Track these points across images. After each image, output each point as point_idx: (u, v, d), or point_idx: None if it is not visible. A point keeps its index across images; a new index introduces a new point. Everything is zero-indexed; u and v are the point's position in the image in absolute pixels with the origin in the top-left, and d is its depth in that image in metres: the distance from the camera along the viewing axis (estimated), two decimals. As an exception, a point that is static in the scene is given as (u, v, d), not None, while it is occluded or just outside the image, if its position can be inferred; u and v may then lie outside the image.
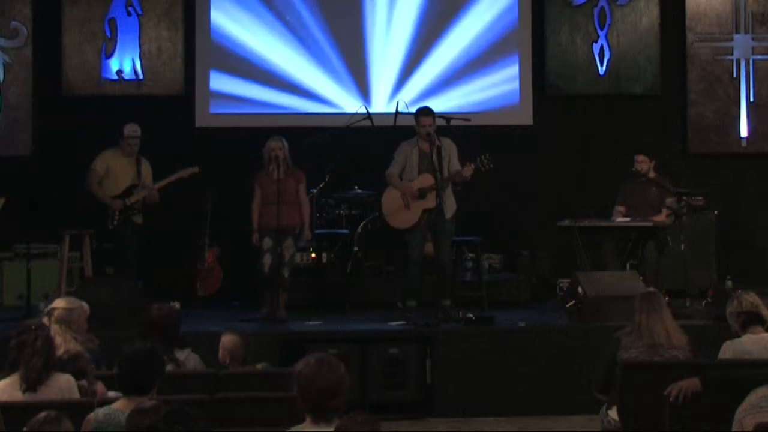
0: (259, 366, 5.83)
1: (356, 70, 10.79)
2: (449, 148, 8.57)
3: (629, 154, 9.42)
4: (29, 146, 10.56)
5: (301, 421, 3.75)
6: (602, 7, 10.91)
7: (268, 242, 8.60)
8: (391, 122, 9.82)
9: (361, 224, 9.76)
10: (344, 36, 10.81)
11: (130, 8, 10.69)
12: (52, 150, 10.48)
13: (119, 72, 10.69)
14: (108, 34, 10.69)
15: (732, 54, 10.91)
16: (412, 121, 8.72)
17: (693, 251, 9.26)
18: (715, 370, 5.09)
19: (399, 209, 8.60)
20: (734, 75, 10.90)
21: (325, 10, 10.78)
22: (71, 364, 5.16)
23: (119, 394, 4.45)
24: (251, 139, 9.49)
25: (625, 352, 5.69)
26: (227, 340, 5.81)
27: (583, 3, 10.91)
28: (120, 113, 9.70)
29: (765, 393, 4.35)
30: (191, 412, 3.57)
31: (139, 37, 10.71)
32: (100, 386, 5.09)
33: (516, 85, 10.85)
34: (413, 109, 8.92)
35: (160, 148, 9.62)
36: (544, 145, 10.72)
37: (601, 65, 10.91)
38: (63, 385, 4.81)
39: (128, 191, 9.05)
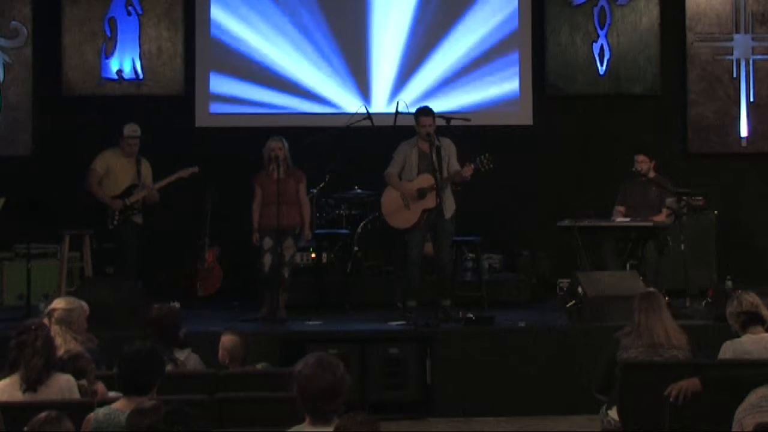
0: (259, 366, 5.83)
1: (356, 70, 10.79)
2: (448, 148, 8.57)
3: (629, 154, 9.42)
4: (29, 146, 10.56)
5: (301, 421, 3.75)
6: (602, 7, 10.91)
7: (268, 242, 8.60)
8: (391, 122, 9.82)
9: (361, 224, 9.76)
10: (344, 36, 10.81)
11: (130, 8, 10.69)
12: (52, 150, 10.48)
13: (119, 72, 10.69)
14: (108, 33, 10.69)
15: (732, 54, 10.91)
16: (412, 121, 8.72)
17: (693, 251, 9.26)
18: (715, 370, 5.09)
19: (399, 209, 8.60)
20: (734, 75, 10.90)
21: (325, 10, 10.78)
22: (71, 364, 5.16)
23: (119, 394, 4.45)
24: (251, 139, 9.49)
25: (624, 352, 5.69)
26: (227, 340, 5.81)
27: (583, 3, 10.92)
28: (120, 113, 9.70)
29: (765, 393, 4.35)
30: (191, 412, 3.57)
31: (139, 37, 10.72)
32: (100, 386, 5.09)
33: (516, 85, 10.85)
34: (413, 109, 8.92)
35: (160, 148, 9.62)
36: (544, 145, 10.72)
37: (601, 65, 10.91)
38: (63, 385, 4.81)
39: (128, 191, 9.05)
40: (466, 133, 9.49)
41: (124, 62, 10.71)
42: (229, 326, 6.23)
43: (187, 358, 5.75)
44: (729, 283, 9.17)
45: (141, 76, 10.70)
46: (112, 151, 9.16)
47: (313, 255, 9.79)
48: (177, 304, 7.83)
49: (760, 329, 5.69)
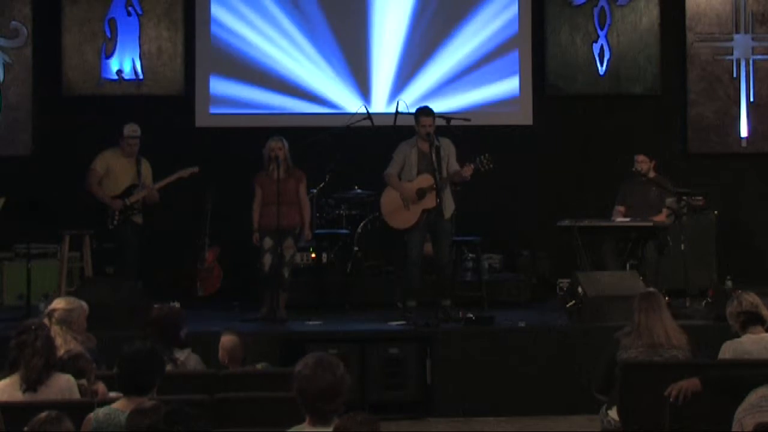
0: (259, 366, 5.83)
1: (356, 70, 10.79)
2: (448, 148, 8.57)
3: (629, 154, 9.42)
4: (29, 146, 10.57)
5: (301, 421, 3.75)
6: (602, 7, 10.91)
7: (268, 242, 8.60)
8: (391, 122, 9.82)
9: (361, 224, 9.76)
10: (345, 36, 10.81)
11: (130, 8, 10.69)
12: (52, 150, 10.48)
13: (119, 72, 10.69)
14: (108, 34, 10.69)
15: (732, 54, 10.91)
16: (412, 121, 8.72)
17: (693, 251, 9.26)
18: (715, 370, 5.09)
19: (398, 209, 8.60)
20: (734, 75, 10.91)
21: (326, 10, 10.78)
22: (71, 364, 5.16)
23: (119, 394, 4.45)
24: (251, 139, 9.49)
25: (624, 352, 5.69)
26: (226, 340, 5.81)
27: (583, 3, 10.92)
28: (120, 113, 9.70)
29: (765, 393, 4.35)
30: (191, 412, 3.57)
31: (139, 37, 10.72)
32: (101, 386, 5.09)
33: (516, 85, 10.85)
34: (413, 110, 8.92)
35: (160, 148, 9.62)
36: (544, 145, 10.72)
37: (601, 65, 10.91)
38: (63, 385, 4.81)
39: (128, 191, 9.05)
40: (466, 133, 9.49)
41: (124, 62, 10.71)
42: (228, 326, 6.22)
43: (187, 358, 5.75)
44: (729, 283, 9.18)
45: (141, 76, 10.70)
46: (112, 151, 9.16)
47: (313, 255, 9.79)
48: (177, 304, 7.84)
49: (760, 329, 5.68)
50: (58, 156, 10.36)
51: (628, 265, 8.93)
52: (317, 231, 9.46)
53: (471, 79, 10.82)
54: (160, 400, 4.12)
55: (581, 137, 10.83)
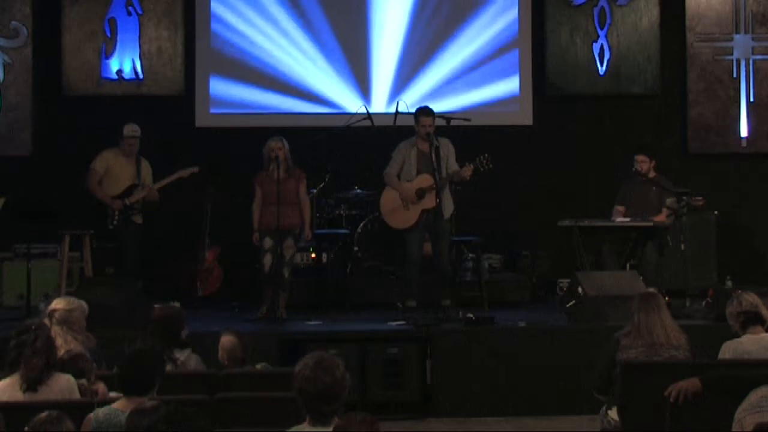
0: (258, 366, 5.83)
1: (357, 70, 10.79)
2: (447, 148, 8.58)
3: (629, 154, 9.42)
4: (29, 146, 10.56)
5: (301, 421, 3.75)
6: (602, 7, 10.91)
7: (268, 242, 8.60)
8: (391, 122, 9.82)
9: (361, 224, 9.76)
10: (345, 35, 10.81)
11: (130, 8, 10.69)
12: (52, 150, 10.48)
13: (119, 72, 10.69)
14: (108, 34, 10.69)
15: (732, 54, 10.92)
16: (412, 121, 8.72)
17: (693, 251, 9.27)
18: (715, 370, 5.08)
19: (397, 209, 8.60)
20: (734, 75, 10.91)
21: (326, 10, 10.78)
22: (72, 364, 5.16)
23: (120, 394, 4.45)
24: (251, 139, 9.50)
25: (624, 352, 5.69)
26: (226, 341, 5.81)
27: (583, 3, 10.92)
28: (120, 113, 9.70)
29: (765, 393, 4.34)
30: (191, 412, 3.57)
31: (139, 37, 10.72)
32: (101, 386, 5.09)
33: (516, 85, 10.86)
34: (413, 110, 8.92)
35: (160, 148, 9.63)
36: (544, 145, 10.72)
37: (601, 65, 10.91)
38: (63, 385, 4.81)
39: (128, 191, 9.05)
40: (466, 133, 9.50)
41: (124, 62, 10.71)
42: (227, 327, 6.20)
43: (188, 359, 5.75)
44: (729, 283, 9.19)
45: (141, 76, 10.70)
46: (112, 151, 9.17)
47: (313, 255, 9.79)
48: (177, 304, 7.83)
49: (760, 329, 5.68)
50: (58, 156, 10.36)
51: (628, 265, 8.92)
52: (317, 231, 9.46)
53: (471, 79, 10.82)
54: (160, 400, 4.12)
55: (581, 137, 10.83)
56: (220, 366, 5.78)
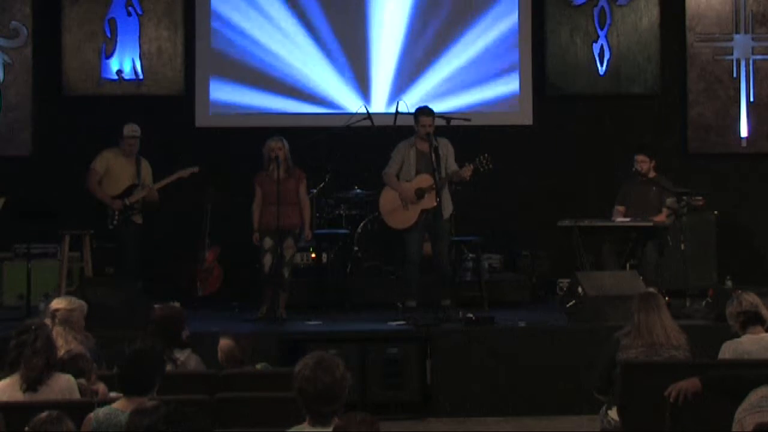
0: (258, 366, 5.82)
1: (357, 70, 10.79)
2: (446, 148, 8.58)
3: (629, 154, 9.42)
4: (29, 146, 10.57)
5: (301, 421, 3.75)
6: (602, 7, 10.91)
7: (268, 242, 8.60)
8: (391, 122, 9.82)
9: (361, 224, 9.76)
10: (345, 35, 10.81)
11: (130, 8, 10.69)
12: (52, 150, 10.49)
13: (119, 72, 10.69)
14: (108, 34, 10.69)
15: (732, 54, 10.92)
16: (411, 121, 8.72)
17: (693, 251, 9.27)
18: (715, 370, 5.08)
19: (396, 209, 8.60)
20: (734, 75, 10.90)
21: (326, 10, 10.78)
22: (71, 364, 5.16)
23: (120, 394, 4.45)
24: (251, 139, 9.49)
25: (624, 352, 5.69)
26: (223, 344, 5.79)
27: (583, 3, 10.92)
28: (120, 113, 9.70)
29: (765, 393, 4.34)
30: (191, 412, 3.57)
31: (139, 37, 10.72)
32: (101, 386, 5.09)
33: (516, 85, 10.86)
34: (413, 110, 8.91)
35: (160, 148, 9.63)
36: (544, 145, 10.72)
37: (601, 65, 10.91)
38: (63, 385, 4.81)
39: (128, 191, 9.05)
40: (466, 133, 9.50)
41: (124, 62, 10.71)
42: (225, 329, 6.17)
43: (188, 359, 5.74)
44: (729, 283, 9.19)
45: (141, 76, 10.70)
46: (112, 151, 9.17)
47: (313, 255, 9.79)
48: (177, 304, 7.83)
49: (760, 329, 5.68)
50: (58, 156, 10.36)
51: (628, 265, 8.92)
52: (317, 231, 9.46)
53: (471, 79, 10.82)
54: (160, 400, 4.12)
55: (581, 137, 10.82)
56: (220, 366, 5.78)
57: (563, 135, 10.80)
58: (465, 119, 9.55)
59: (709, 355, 5.77)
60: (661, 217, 9.06)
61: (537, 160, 10.64)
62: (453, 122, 9.29)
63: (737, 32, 10.92)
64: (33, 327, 4.90)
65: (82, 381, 5.03)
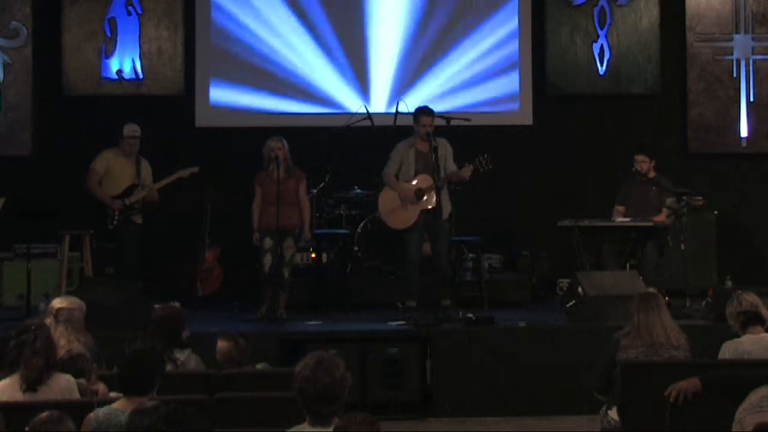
0: (258, 366, 5.82)
1: (357, 70, 10.79)
2: (445, 148, 8.57)
3: (629, 154, 9.42)
4: (29, 146, 10.57)
5: (301, 421, 3.75)
6: (602, 7, 10.91)
7: (268, 242, 8.60)
8: (391, 122, 9.82)
9: (361, 224, 9.76)
10: (345, 35, 10.81)
11: (130, 8, 10.69)
12: (52, 150, 10.49)
13: (119, 72, 10.69)
14: (108, 34, 10.69)
15: (732, 54, 10.92)
16: (411, 122, 8.71)
17: (693, 251, 9.27)
18: (715, 370, 5.08)
19: (396, 209, 8.60)
20: (734, 75, 10.91)
21: (326, 9, 10.78)
22: (71, 364, 5.16)
23: (120, 394, 4.45)
24: (251, 139, 9.49)
25: (624, 352, 5.69)
26: (220, 345, 5.78)
27: (583, 3, 10.92)
28: (120, 113, 9.70)
29: (765, 393, 4.34)
30: (191, 412, 3.57)
31: (139, 37, 10.72)
32: (101, 386, 5.09)
33: (516, 85, 10.86)
34: (413, 110, 8.91)
35: (160, 148, 9.63)
36: (544, 145, 10.72)
37: (601, 65, 10.91)
38: (63, 385, 4.81)
39: (128, 191, 9.05)
40: (466, 133, 9.50)
41: (124, 62, 10.71)
42: (222, 330, 6.16)
43: (188, 359, 5.74)
44: (729, 283, 9.19)
45: (141, 76, 10.70)
46: (112, 151, 9.17)
47: (313, 255, 9.79)
48: (177, 304, 7.83)
49: (760, 329, 5.68)
50: (58, 156, 10.36)
51: (628, 265, 8.93)
52: (317, 231, 9.46)
53: (471, 79, 10.82)
54: (160, 400, 4.11)
55: (581, 137, 10.83)
56: (219, 366, 5.77)
57: (563, 135, 10.80)
58: (465, 119, 9.55)
59: (709, 355, 5.77)
60: (661, 217, 9.06)
61: (537, 160, 10.64)
62: (453, 122, 9.29)
63: (737, 32, 10.93)
64: (33, 327, 4.90)
65: (82, 381, 5.03)
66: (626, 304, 6.21)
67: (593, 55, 10.91)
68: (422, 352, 7.90)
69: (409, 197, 8.52)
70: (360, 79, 10.78)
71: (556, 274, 9.96)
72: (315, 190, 9.66)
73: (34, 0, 10.63)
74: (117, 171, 9.09)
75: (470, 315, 8.27)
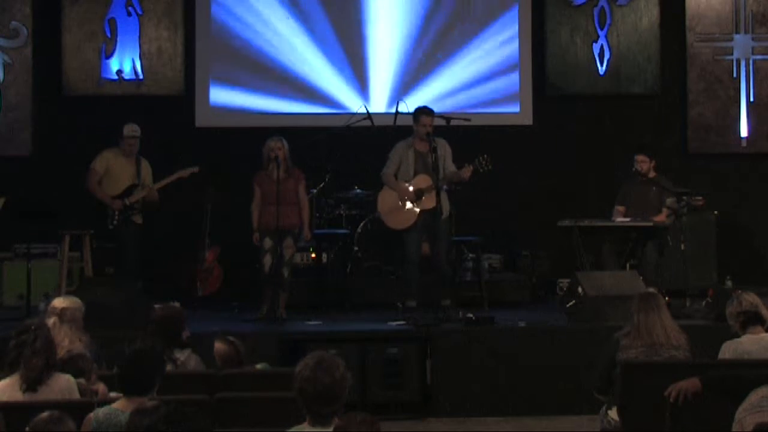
0: (258, 366, 5.82)
1: (357, 70, 10.80)
2: (444, 148, 8.57)
3: (629, 154, 9.42)
4: (29, 146, 10.57)
5: (301, 421, 3.75)
6: (602, 7, 10.91)
7: (268, 242, 8.60)
8: (391, 122, 9.81)
9: (361, 224, 9.76)
10: (345, 35, 10.81)
11: (130, 8, 10.69)
12: (52, 150, 10.49)
13: (119, 72, 10.69)
14: (108, 34, 10.69)
15: (732, 54, 10.92)
16: (411, 122, 8.71)
17: (693, 251, 9.27)
18: (715, 370, 5.08)
19: (395, 209, 8.60)
20: (734, 75, 10.91)
21: (326, 9, 10.78)
22: (71, 364, 5.16)
23: (120, 394, 4.45)
24: (251, 139, 9.49)
25: (624, 352, 5.69)
26: (218, 347, 5.78)
27: (583, 3, 10.92)
28: (120, 113, 9.70)
29: (765, 393, 4.34)
30: (191, 412, 3.57)
31: (139, 37, 10.72)
32: (101, 386, 5.09)
33: (516, 85, 10.85)
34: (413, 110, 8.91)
35: (160, 148, 9.63)
36: (544, 145, 10.72)
37: (601, 65, 10.91)
38: (63, 385, 4.81)
39: (128, 191, 9.05)
40: (466, 133, 9.50)
41: (124, 62, 10.71)
42: (220, 334, 6.15)
43: (188, 359, 5.74)
44: (729, 283, 9.19)
45: (141, 76, 10.71)
46: (112, 151, 9.17)
47: (313, 255, 9.79)
48: (177, 304, 7.83)
49: (760, 329, 5.68)
50: (58, 156, 10.36)
51: (628, 265, 8.93)
52: (317, 231, 9.46)
53: (471, 79, 10.82)
54: (160, 400, 4.11)
55: (581, 137, 10.83)
56: (219, 366, 5.77)
57: (563, 135, 10.80)
58: (465, 119, 9.55)
59: (709, 355, 5.77)
60: (661, 217, 9.07)
61: (537, 160, 10.64)
62: (453, 122, 9.29)
63: (737, 32, 10.93)
64: (33, 327, 4.89)
65: (82, 381, 5.02)
66: (626, 304, 6.21)
67: (593, 55, 10.91)
68: (422, 352, 7.90)
69: (408, 197, 8.52)
70: (360, 79, 10.78)
71: (556, 274, 9.96)
72: (315, 190, 9.66)
73: (34, 0, 10.63)
74: (117, 171, 9.09)
75: (470, 315, 8.27)
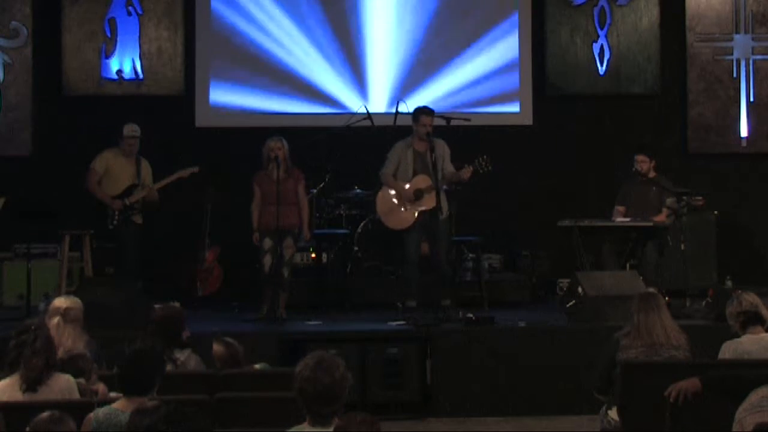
0: (258, 366, 5.82)
1: (357, 70, 10.80)
2: (443, 148, 8.57)
3: (629, 154, 9.42)
4: (29, 146, 10.57)
5: (301, 421, 3.75)
6: (602, 7, 10.91)
7: (268, 242, 8.60)
8: (391, 122, 9.81)
9: (361, 224, 9.76)
10: (345, 35, 10.81)
11: (130, 8, 10.69)
12: (52, 150, 10.49)
13: (119, 72, 10.69)
14: (108, 34, 10.69)
15: (732, 54, 10.92)
16: (411, 121, 8.70)
17: (693, 251, 9.27)
18: (715, 370, 5.08)
19: (394, 210, 8.60)
20: (734, 75, 10.91)
21: (326, 9, 10.79)
22: (71, 364, 5.16)
23: (120, 394, 4.45)
24: (251, 139, 9.49)
25: (624, 352, 5.69)
26: (216, 349, 5.78)
27: (583, 3, 10.92)
28: (120, 113, 9.70)
29: (765, 393, 4.34)
30: (191, 412, 3.57)
31: (139, 37, 10.72)
32: (101, 386, 5.09)
33: (516, 85, 10.85)
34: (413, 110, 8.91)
35: (160, 148, 9.63)
36: (544, 145, 10.72)
37: (601, 65, 10.91)
38: (63, 385, 4.81)
39: (128, 191, 9.05)
40: (466, 133, 9.50)
41: (124, 62, 10.71)
42: (217, 335, 6.15)
43: (188, 359, 5.74)
44: (729, 283, 9.19)
45: (141, 76, 10.71)
46: (112, 151, 9.17)
47: (313, 255, 9.79)
48: (177, 304, 7.83)
49: (760, 329, 5.68)
50: (58, 156, 10.36)
51: (628, 265, 8.93)
52: (317, 231, 9.46)
53: (471, 79, 10.81)
54: (160, 400, 4.11)
55: (581, 137, 10.83)
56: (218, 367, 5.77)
57: (563, 135, 10.80)
58: (465, 119, 9.55)
59: (709, 355, 5.77)
60: (661, 217, 9.07)
61: (537, 160, 10.64)
62: (453, 122, 9.29)
63: (737, 32, 10.93)
64: (33, 327, 4.89)
65: (82, 381, 5.02)
66: (626, 304, 6.21)
67: (593, 55, 10.91)
68: (422, 352, 7.90)
69: (407, 197, 8.51)
70: (360, 80, 10.78)
71: (556, 274, 9.96)
72: (315, 190, 9.66)
73: (34, 0, 10.63)
74: (117, 171, 9.09)
75: (470, 315, 8.27)
